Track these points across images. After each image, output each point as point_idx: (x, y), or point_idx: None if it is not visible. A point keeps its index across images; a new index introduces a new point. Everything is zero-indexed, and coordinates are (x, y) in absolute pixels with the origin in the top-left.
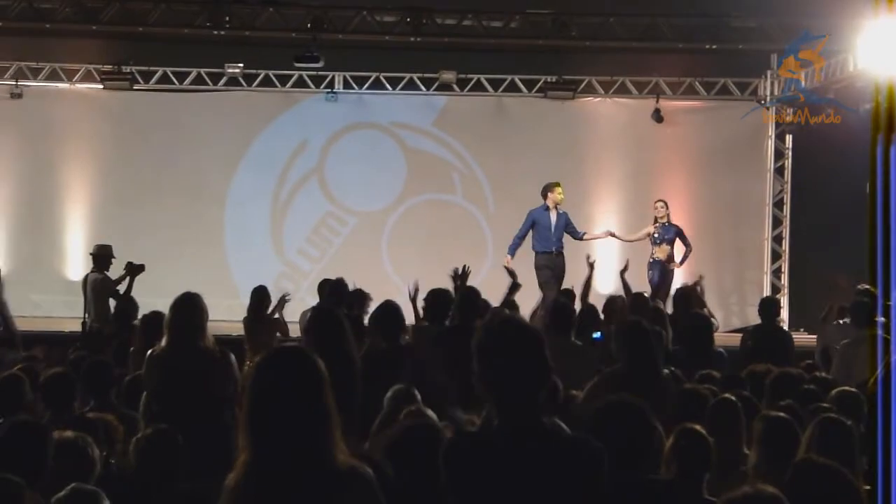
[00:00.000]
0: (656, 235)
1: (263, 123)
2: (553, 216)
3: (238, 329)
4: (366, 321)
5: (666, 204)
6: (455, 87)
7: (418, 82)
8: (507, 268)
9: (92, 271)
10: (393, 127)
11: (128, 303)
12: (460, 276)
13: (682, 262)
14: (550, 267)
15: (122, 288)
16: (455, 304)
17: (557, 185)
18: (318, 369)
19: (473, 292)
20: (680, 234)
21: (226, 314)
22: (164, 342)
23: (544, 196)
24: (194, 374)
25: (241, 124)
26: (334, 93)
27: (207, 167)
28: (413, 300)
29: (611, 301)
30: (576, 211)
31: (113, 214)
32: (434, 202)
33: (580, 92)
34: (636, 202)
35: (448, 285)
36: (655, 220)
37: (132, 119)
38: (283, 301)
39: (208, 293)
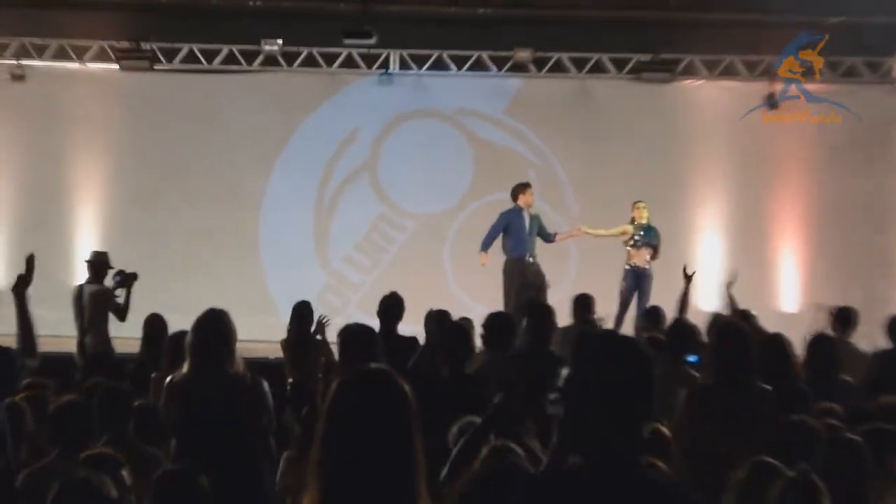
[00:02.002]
0: (637, 238)
1: (306, 111)
2: (526, 218)
3: (276, 351)
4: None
5: (646, 204)
6: (531, 67)
7: (488, 62)
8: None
9: (88, 282)
10: (458, 115)
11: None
12: (540, 290)
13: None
14: (524, 274)
15: (120, 301)
16: (527, 325)
17: (528, 185)
18: (409, 401)
19: (547, 311)
20: (656, 238)
21: (261, 334)
22: (185, 367)
23: (514, 197)
24: (221, 404)
25: (280, 111)
26: (389, 74)
27: (240, 162)
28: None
29: (714, 320)
30: (673, 215)
31: (129, 217)
32: (506, 203)
33: (680, 73)
34: (745, 204)
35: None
36: (633, 221)
37: (153, 105)
38: (321, 324)
39: (241, 309)
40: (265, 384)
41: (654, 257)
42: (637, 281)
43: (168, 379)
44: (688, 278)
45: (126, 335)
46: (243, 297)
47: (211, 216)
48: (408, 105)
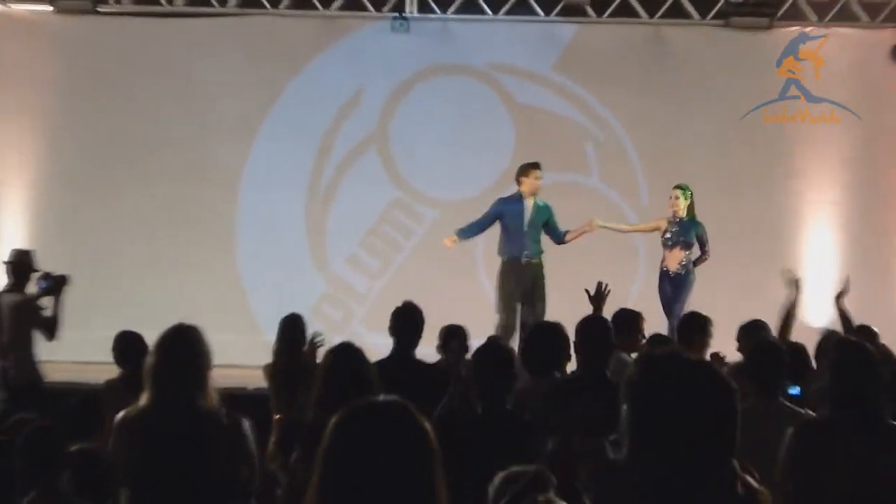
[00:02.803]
0: (668, 235)
1: (296, 66)
2: (528, 209)
3: (258, 379)
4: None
5: (687, 192)
6: (589, 10)
7: (533, 3)
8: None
9: (6, 290)
10: (493, 71)
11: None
12: (597, 297)
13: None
14: (517, 281)
15: (47, 313)
16: (579, 340)
17: (535, 166)
18: (429, 443)
19: (603, 326)
20: (701, 236)
21: (239, 356)
22: (143, 399)
23: (518, 181)
24: (188, 447)
25: (264, 67)
26: (405, 18)
27: (211, 133)
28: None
29: (826, 340)
30: (773, 200)
31: (67, 205)
32: (556, 187)
33: (780, 18)
34: (868, 190)
35: (576, 309)
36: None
37: (97, 59)
38: (314, 345)
39: (212, 325)
40: (246, 423)
41: (699, 260)
42: (671, 287)
43: (120, 415)
44: (793, 286)
45: (59, 359)
46: (215, 308)
47: (172, 203)
48: (428, 59)
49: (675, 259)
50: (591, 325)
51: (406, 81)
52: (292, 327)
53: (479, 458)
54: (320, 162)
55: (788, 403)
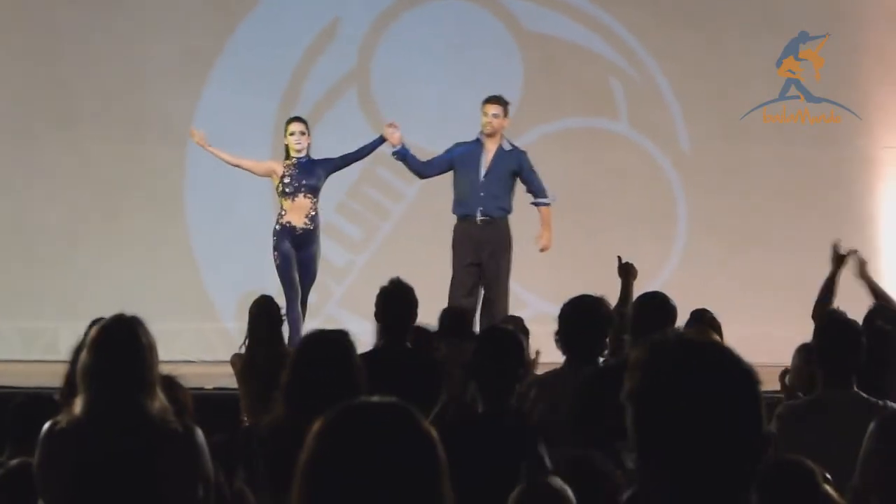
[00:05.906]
0: (287, 180)
1: None
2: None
3: (219, 376)
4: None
5: (305, 125)
6: None
7: None
8: None
9: None
10: None
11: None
12: (625, 269)
13: None
14: (471, 243)
15: None
16: (635, 321)
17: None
18: (438, 450)
19: (664, 300)
20: (327, 167)
21: (193, 349)
22: (77, 405)
23: None
24: (133, 463)
25: None
26: None
27: (152, 77)
28: None
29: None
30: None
31: None
32: (576, 134)
33: None
34: None
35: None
36: (287, 153)
37: None
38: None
39: (159, 311)
40: (199, 434)
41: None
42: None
43: (47, 426)
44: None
45: None
46: (162, 292)
47: (102, 162)
48: None
49: (299, 212)
50: (649, 302)
51: (391, 8)
52: (267, 311)
53: (481, 469)
54: (285, 110)
55: (865, 394)
